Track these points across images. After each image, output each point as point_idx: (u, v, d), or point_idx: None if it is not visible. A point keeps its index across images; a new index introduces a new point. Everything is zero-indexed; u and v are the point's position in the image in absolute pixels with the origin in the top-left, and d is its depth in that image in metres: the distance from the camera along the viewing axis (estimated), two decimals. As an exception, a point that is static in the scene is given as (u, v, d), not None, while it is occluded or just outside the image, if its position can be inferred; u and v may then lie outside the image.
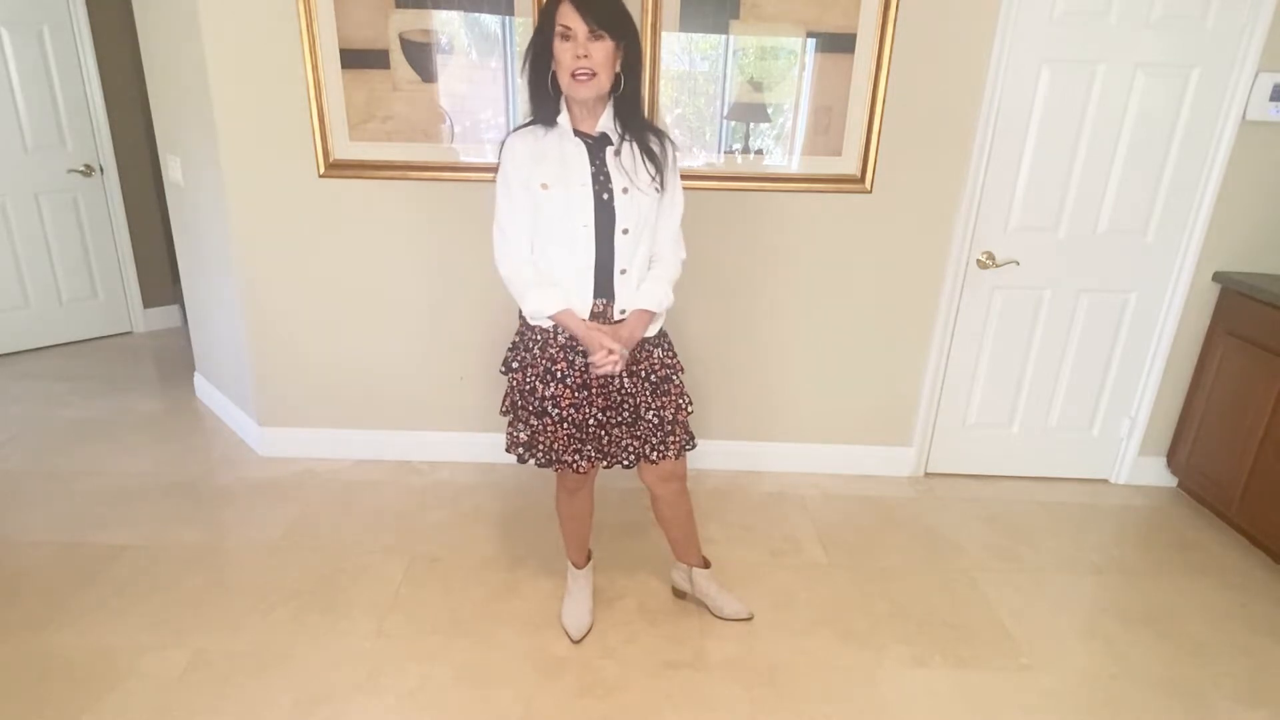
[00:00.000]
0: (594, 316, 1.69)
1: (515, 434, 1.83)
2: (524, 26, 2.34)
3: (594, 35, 1.51)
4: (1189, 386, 2.74)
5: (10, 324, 3.79)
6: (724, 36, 2.34)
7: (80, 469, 2.77)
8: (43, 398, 3.35)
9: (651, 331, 1.76)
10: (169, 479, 2.73)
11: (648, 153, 1.65)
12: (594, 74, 1.54)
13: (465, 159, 2.48)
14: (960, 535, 2.53)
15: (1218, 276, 2.58)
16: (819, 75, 2.38)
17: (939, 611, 2.16)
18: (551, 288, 1.67)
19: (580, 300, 1.67)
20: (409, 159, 2.48)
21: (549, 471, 2.80)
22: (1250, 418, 2.44)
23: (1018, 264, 2.60)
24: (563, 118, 1.63)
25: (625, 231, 1.65)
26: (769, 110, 2.43)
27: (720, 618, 2.09)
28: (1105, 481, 2.92)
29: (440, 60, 2.38)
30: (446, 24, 2.35)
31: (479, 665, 1.90)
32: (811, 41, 2.35)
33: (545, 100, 1.63)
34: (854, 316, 2.68)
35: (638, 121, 1.66)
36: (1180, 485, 2.86)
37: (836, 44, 2.35)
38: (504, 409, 1.86)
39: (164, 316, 4.28)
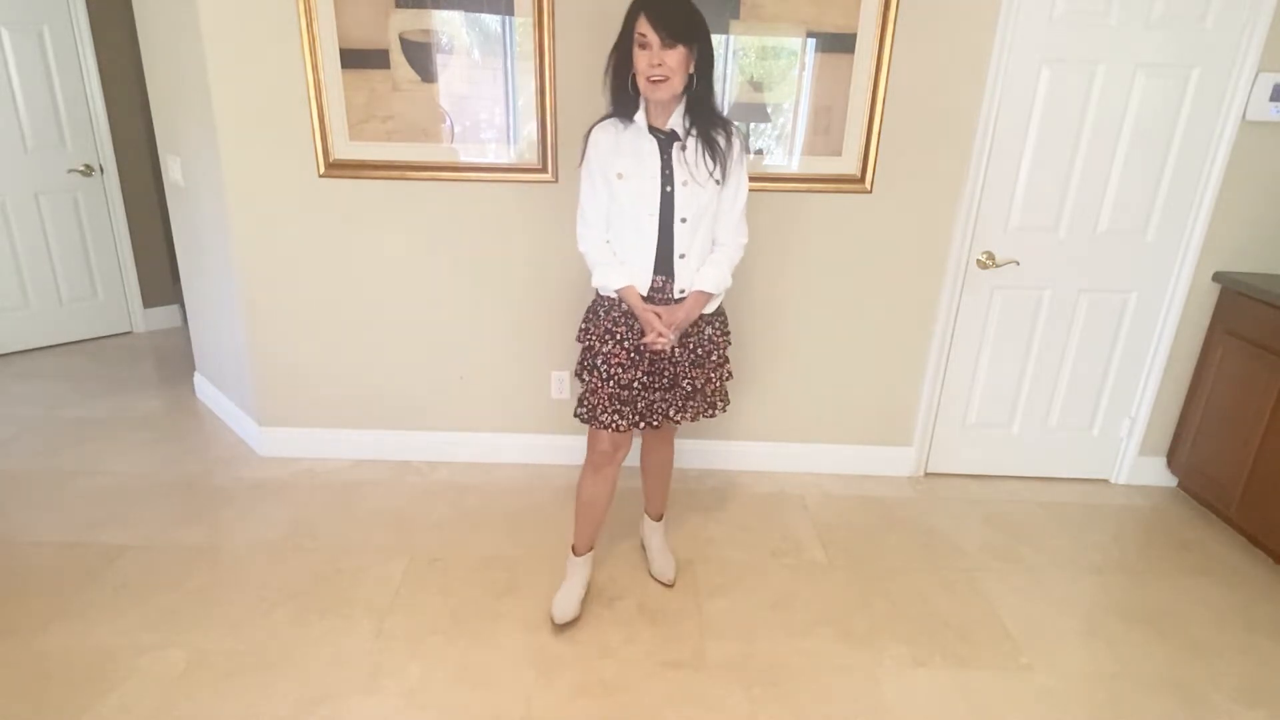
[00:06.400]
0: (654, 291, 1.86)
1: (579, 390, 1.99)
2: (524, 26, 2.34)
3: (668, 44, 1.65)
4: (1189, 386, 2.74)
5: (10, 324, 3.79)
6: (724, 36, 2.34)
7: (80, 469, 2.77)
8: (43, 398, 3.35)
9: (709, 310, 1.92)
10: (169, 479, 2.73)
11: (711, 148, 1.77)
12: (667, 78, 1.68)
13: (465, 159, 2.48)
14: (960, 535, 2.53)
15: (1218, 276, 2.58)
16: (819, 75, 2.38)
17: (939, 611, 2.16)
18: (620, 266, 1.85)
19: (643, 276, 1.84)
20: (409, 159, 2.48)
21: (549, 472, 2.82)
22: (1250, 417, 2.44)
23: (1018, 264, 2.60)
24: (639, 115, 1.78)
25: (683, 220, 1.80)
26: (769, 110, 2.43)
27: (649, 573, 2.26)
28: (1105, 481, 2.92)
29: (440, 60, 2.38)
30: (446, 24, 2.35)
31: (479, 665, 1.90)
32: (811, 41, 2.35)
33: (625, 100, 1.78)
34: (854, 316, 2.68)
35: (706, 117, 1.78)
36: (1180, 485, 2.86)
37: (836, 44, 2.35)
38: (576, 369, 2.04)
39: (164, 316, 4.28)
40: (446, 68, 2.39)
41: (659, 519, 2.30)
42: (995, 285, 2.64)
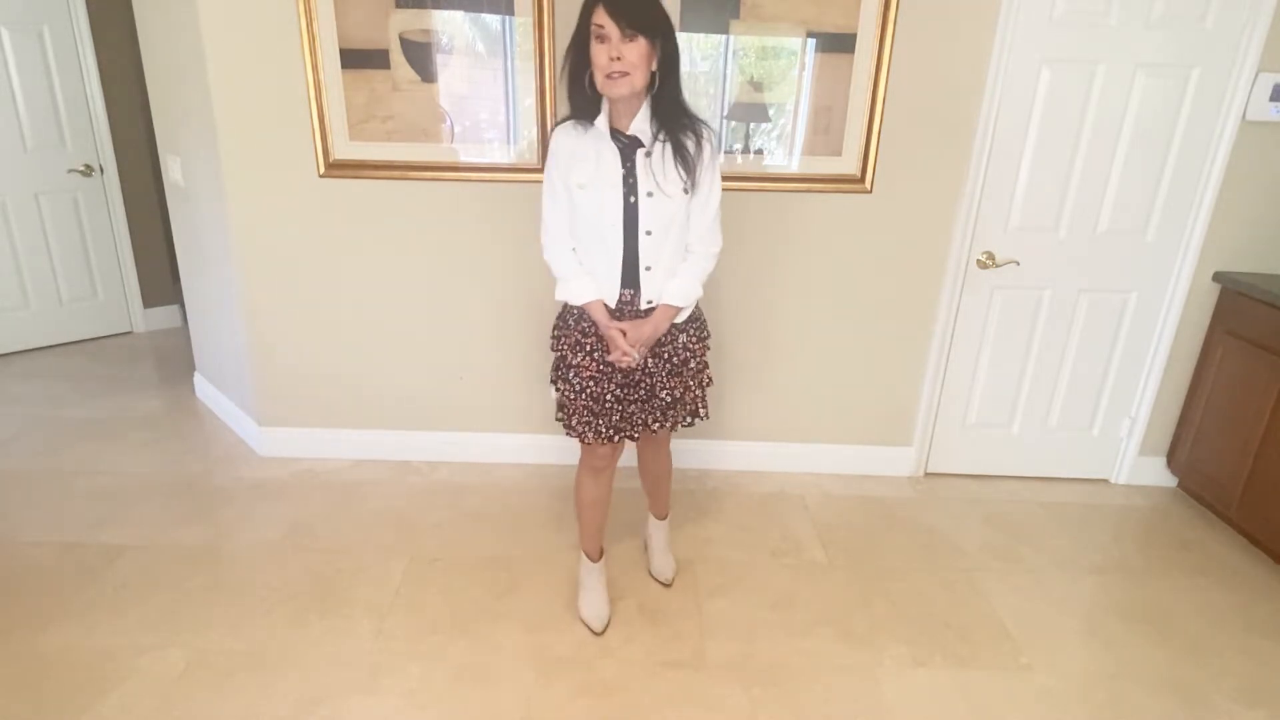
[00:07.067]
0: (622, 304, 1.79)
1: (555, 395, 1.92)
2: (524, 26, 2.34)
3: (627, 36, 1.54)
4: (1189, 386, 2.74)
5: (10, 324, 3.79)
6: (724, 36, 2.34)
7: (80, 469, 2.77)
8: (43, 397, 3.35)
9: (680, 319, 1.85)
10: (169, 479, 2.73)
11: (681, 154, 1.67)
12: (626, 74, 1.57)
13: (465, 159, 2.48)
14: (960, 535, 2.53)
15: (1218, 276, 2.58)
16: (819, 75, 2.38)
17: (939, 611, 2.16)
18: (585, 279, 1.78)
19: (609, 290, 1.77)
20: (409, 159, 2.48)
21: (548, 472, 2.82)
22: (1250, 418, 2.44)
23: (1018, 264, 2.60)
24: (601, 119, 1.67)
25: (648, 233, 1.72)
26: (769, 110, 2.43)
27: (649, 571, 2.25)
28: (1105, 481, 2.92)
29: (440, 60, 2.38)
30: (446, 24, 2.35)
31: (479, 665, 1.90)
32: (811, 41, 2.35)
33: (583, 100, 1.67)
34: (854, 316, 2.68)
35: (674, 120, 1.67)
36: (1180, 485, 2.86)
37: (836, 44, 2.35)
38: (551, 376, 1.95)
39: (164, 316, 4.28)
40: (446, 68, 2.39)
41: (663, 518, 2.29)
42: (995, 285, 2.64)
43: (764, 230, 2.55)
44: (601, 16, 1.54)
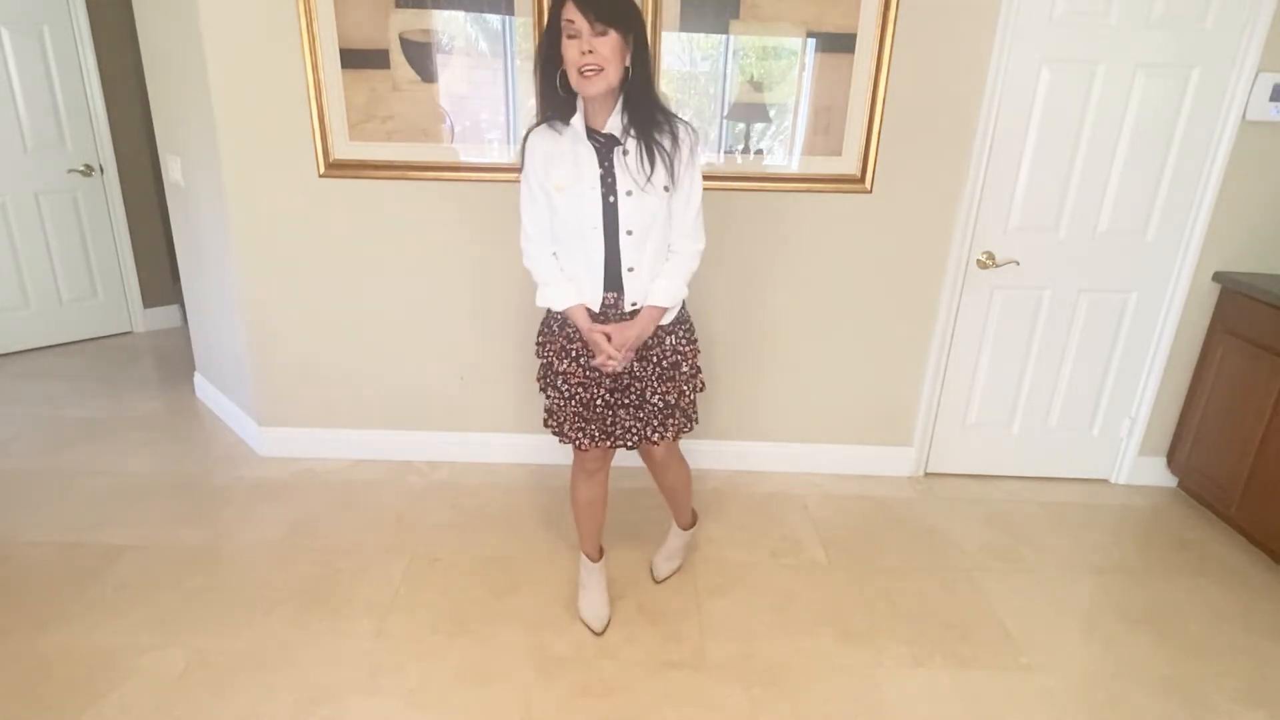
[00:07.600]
0: (606, 307, 1.75)
1: (544, 401, 1.91)
2: (524, 26, 2.34)
3: (598, 30, 1.51)
4: (1189, 386, 2.74)
5: (10, 324, 3.79)
6: (724, 36, 2.34)
7: (80, 469, 2.77)
8: (43, 398, 3.35)
9: (666, 320, 1.81)
10: (169, 479, 2.73)
11: (651, 154, 1.63)
12: (600, 69, 1.53)
13: (465, 159, 2.48)
14: (960, 535, 2.53)
15: (1218, 276, 2.58)
16: (819, 75, 2.38)
17: (939, 611, 2.16)
18: (566, 283, 1.75)
19: (592, 293, 1.74)
20: (409, 159, 2.48)
21: (548, 472, 2.82)
22: (1250, 418, 2.44)
23: (1018, 264, 2.60)
24: (576, 118, 1.64)
25: (629, 233, 1.69)
26: (769, 110, 2.43)
27: (651, 570, 2.27)
28: (1105, 481, 2.92)
29: (440, 60, 2.38)
30: (447, 24, 2.35)
31: (479, 665, 1.90)
32: (811, 41, 2.35)
33: (556, 100, 1.63)
34: (854, 316, 2.68)
35: (646, 116, 1.63)
36: (1180, 485, 2.86)
37: (836, 44, 2.35)
38: (539, 382, 1.93)
39: (164, 316, 4.28)
40: (446, 68, 2.39)
41: (685, 528, 2.24)
42: (995, 285, 2.64)
43: (764, 230, 2.55)
44: (571, 11, 1.51)
